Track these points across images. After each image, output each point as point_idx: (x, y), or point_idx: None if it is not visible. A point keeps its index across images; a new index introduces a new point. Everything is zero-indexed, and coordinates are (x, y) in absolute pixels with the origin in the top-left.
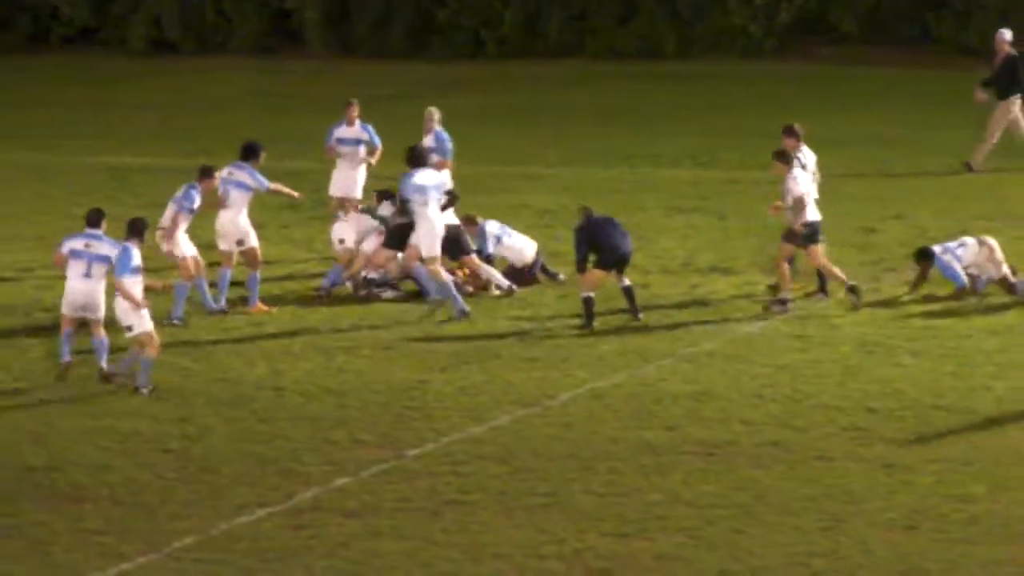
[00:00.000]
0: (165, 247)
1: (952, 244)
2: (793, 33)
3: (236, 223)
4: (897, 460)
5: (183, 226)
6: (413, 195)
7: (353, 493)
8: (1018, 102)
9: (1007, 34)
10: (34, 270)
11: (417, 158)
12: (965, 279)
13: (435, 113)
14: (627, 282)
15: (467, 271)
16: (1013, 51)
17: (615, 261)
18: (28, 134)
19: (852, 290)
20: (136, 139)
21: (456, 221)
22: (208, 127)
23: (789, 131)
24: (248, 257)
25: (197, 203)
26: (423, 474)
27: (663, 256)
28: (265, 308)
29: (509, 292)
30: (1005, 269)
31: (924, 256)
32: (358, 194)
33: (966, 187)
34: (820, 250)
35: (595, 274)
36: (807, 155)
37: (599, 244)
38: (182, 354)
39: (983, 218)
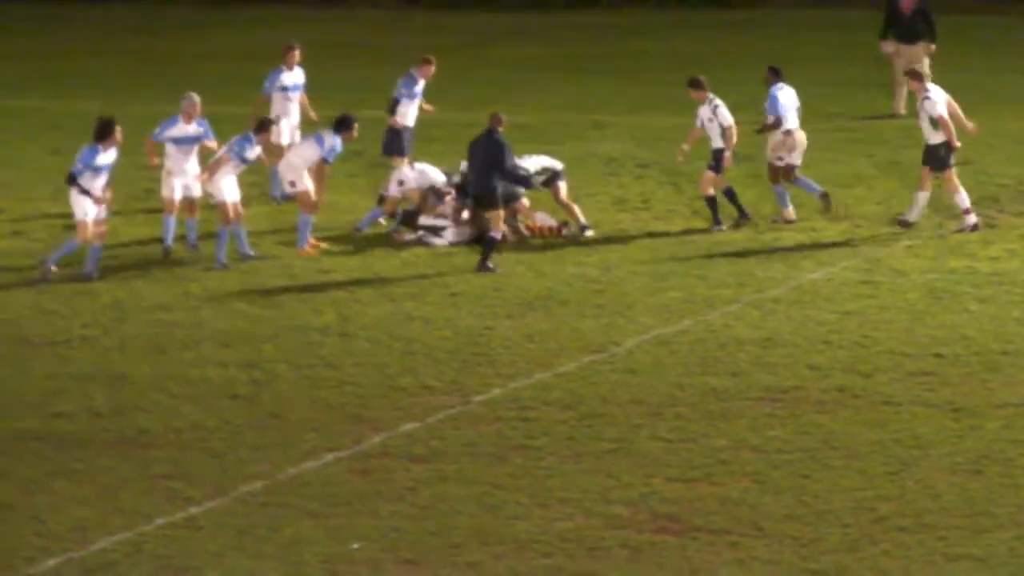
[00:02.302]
0: (206, 187)
1: None
2: None
3: (289, 163)
4: (964, 405)
5: (228, 172)
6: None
7: (420, 438)
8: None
9: None
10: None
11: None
12: None
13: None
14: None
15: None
16: None
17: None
18: (96, 82)
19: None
20: (203, 87)
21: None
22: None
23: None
24: (300, 199)
25: (251, 154)
26: (490, 419)
27: (727, 204)
28: (313, 246)
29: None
30: None
31: None
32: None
33: None
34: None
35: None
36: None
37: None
38: (250, 300)
39: None
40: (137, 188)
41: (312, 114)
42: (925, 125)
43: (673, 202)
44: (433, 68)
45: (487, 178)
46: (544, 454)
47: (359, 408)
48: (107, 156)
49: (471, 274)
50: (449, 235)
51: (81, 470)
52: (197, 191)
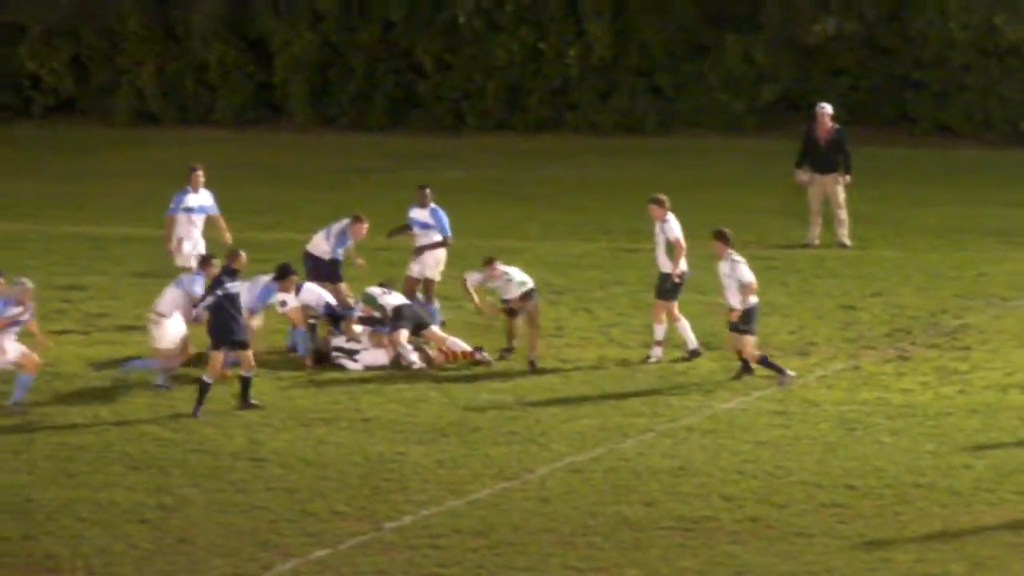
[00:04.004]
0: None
1: None
2: (774, 111)
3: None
4: (876, 538)
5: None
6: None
7: (331, 565)
8: (842, 178)
9: (828, 108)
10: None
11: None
12: None
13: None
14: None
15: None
16: (836, 125)
17: None
18: (10, 203)
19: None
20: (117, 209)
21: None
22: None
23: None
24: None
25: (198, 290)
26: (401, 547)
27: (643, 331)
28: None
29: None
30: None
31: None
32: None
33: (944, 265)
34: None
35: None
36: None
37: None
38: (159, 424)
39: (960, 296)
40: (48, 308)
41: (227, 236)
42: (661, 252)
43: (587, 329)
44: (365, 227)
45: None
46: None
47: (269, 534)
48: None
49: (384, 399)
50: (365, 358)
51: None
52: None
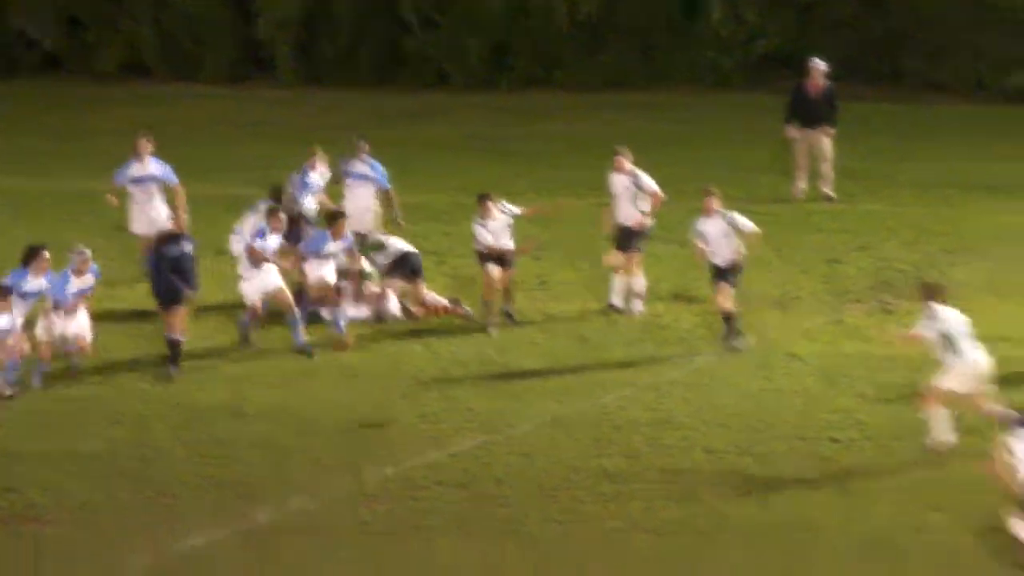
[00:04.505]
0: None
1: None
2: (766, 66)
3: None
4: (857, 489)
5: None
6: None
7: (311, 516)
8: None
9: (822, 64)
10: None
11: None
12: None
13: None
14: None
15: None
16: (829, 82)
17: None
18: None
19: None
20: (106, 165)
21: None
22: (177, 154)
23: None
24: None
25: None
26: (383, 498)
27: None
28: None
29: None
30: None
31: None
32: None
33: (930, 220)
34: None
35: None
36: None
37: None
38: (140, 379)
39: (946, 250)
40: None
41: (182, 215)
42: (627, 205)
43: (571, 283)
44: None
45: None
46: (435, 534)
47: (250, 486)
48: (36, 283)
49: (368, 354)
50: (347, 312)
51: None
52: None
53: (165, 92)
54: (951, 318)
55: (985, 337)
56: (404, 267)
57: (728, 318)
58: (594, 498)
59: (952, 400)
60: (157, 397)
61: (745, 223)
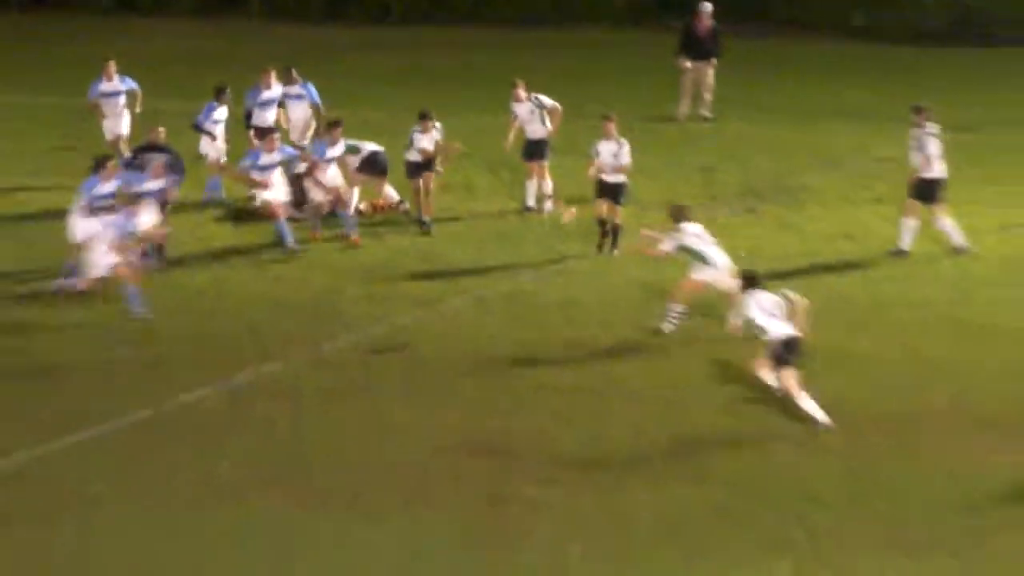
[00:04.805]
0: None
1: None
2: (650, 7)
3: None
4: (728, 358)
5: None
6: None
7: (281, 378)
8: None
9: (708, 7)
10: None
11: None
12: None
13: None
14: None
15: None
16: (713, 22)
17: None
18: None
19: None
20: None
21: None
22: (153, 82)
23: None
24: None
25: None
26: (338, 364)
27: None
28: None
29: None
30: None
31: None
32: (125, 131)
33: (792, 138)
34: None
35: None
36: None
37: None
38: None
39: (804, 164)
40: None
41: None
42: (536, 123)
43: (493, 187)
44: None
45: None
46: (382, 394)
47: (230, 353)
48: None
49: (327, 246)
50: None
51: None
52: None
53: (146, 24)
54: (693, 233)
55: (833, 235)
56: (375, 166)
57: (613, 228)
58: (511, 363)
59: (703, 290)
60: (148, 281)
61: (626, 155)
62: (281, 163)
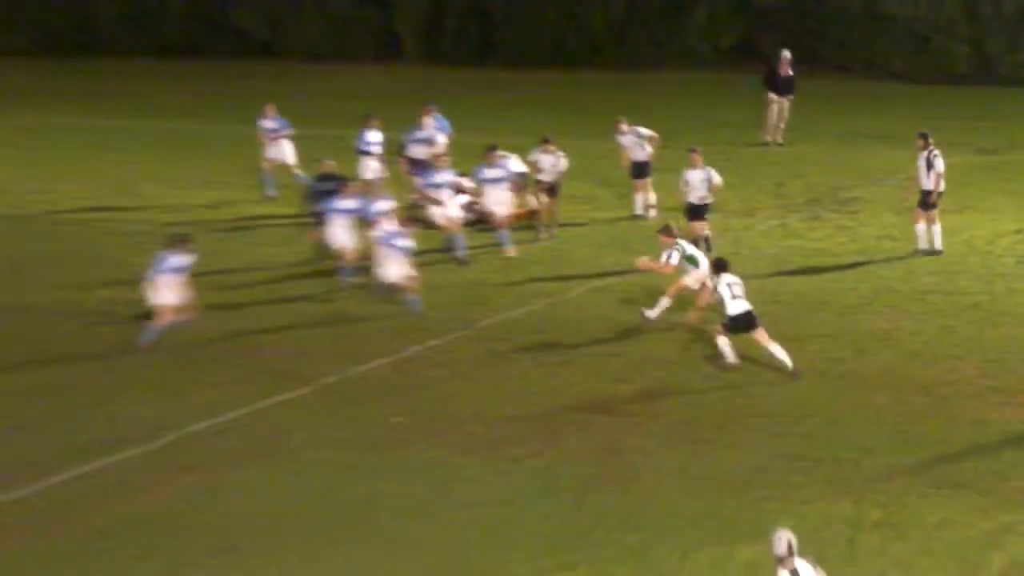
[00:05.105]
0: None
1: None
2: (733, 55)
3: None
4: (793, 334)
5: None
6: None
7: (440, 350)
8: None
9: (788, 54)
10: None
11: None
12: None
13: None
14: None
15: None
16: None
17: None
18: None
19: None
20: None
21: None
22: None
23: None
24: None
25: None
26: (484, 339)
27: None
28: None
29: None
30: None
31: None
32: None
33: (842, 158)
34: None
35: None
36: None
37: None
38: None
39: (851, 177)
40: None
41: None
42: (639, 149)
43: (608, 199)
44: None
45: None
46: (520, 363)
47: (399, 330)
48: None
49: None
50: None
51: (215, 369)
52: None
53: (328, 69)
54: (687, 246)
55: (879, 236)
56: (520, 180)
57: (705, 239)
58: (622, 339)
59: (686, 290)
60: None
61: (717, 177)
62: (449, 183)
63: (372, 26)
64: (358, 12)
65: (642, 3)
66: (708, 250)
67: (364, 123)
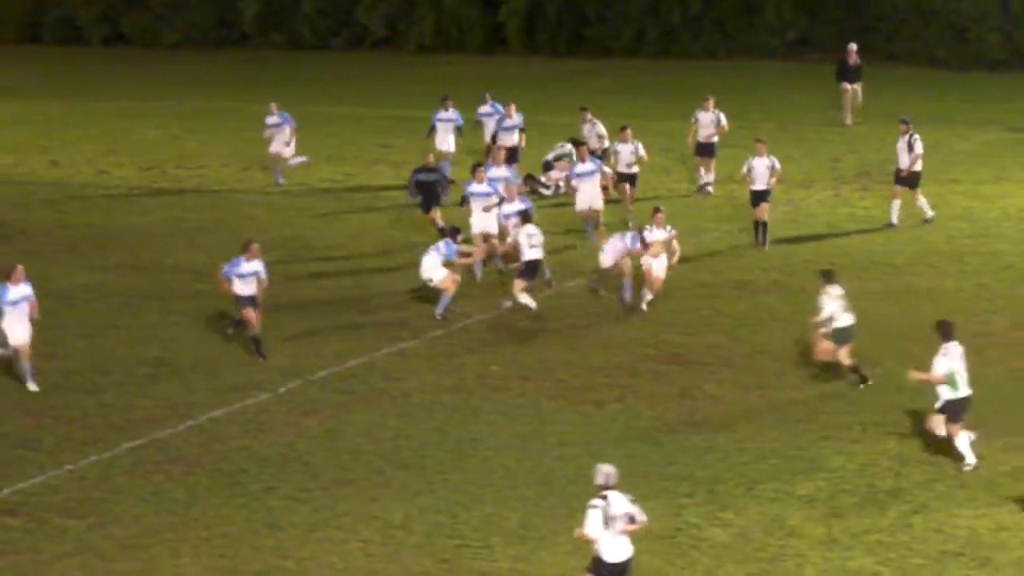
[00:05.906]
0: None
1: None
2: (799, 47)
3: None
4: (848, 290)
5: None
6: None
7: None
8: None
9: (854, 46)
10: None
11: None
12: None
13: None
14: None
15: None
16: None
17: None
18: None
19: None
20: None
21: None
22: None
23: None
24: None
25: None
26: (572, 297)
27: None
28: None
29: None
30: None
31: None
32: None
33: (886, 138)
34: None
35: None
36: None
37: None
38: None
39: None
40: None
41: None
42: (712, 127)
43: (681, 173)
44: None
45: None
46: (604, 318)
47: (492, 288)
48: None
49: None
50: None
51: (335, 324)
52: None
53: (435, 60)
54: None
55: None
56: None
57: (763, 224)
58: (694, 296)
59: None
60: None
61: (777, 164)
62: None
63: (479, 21)
64: (467, 10)
65: (716, 1)
66: (764, 236)
67: (441, 104)
